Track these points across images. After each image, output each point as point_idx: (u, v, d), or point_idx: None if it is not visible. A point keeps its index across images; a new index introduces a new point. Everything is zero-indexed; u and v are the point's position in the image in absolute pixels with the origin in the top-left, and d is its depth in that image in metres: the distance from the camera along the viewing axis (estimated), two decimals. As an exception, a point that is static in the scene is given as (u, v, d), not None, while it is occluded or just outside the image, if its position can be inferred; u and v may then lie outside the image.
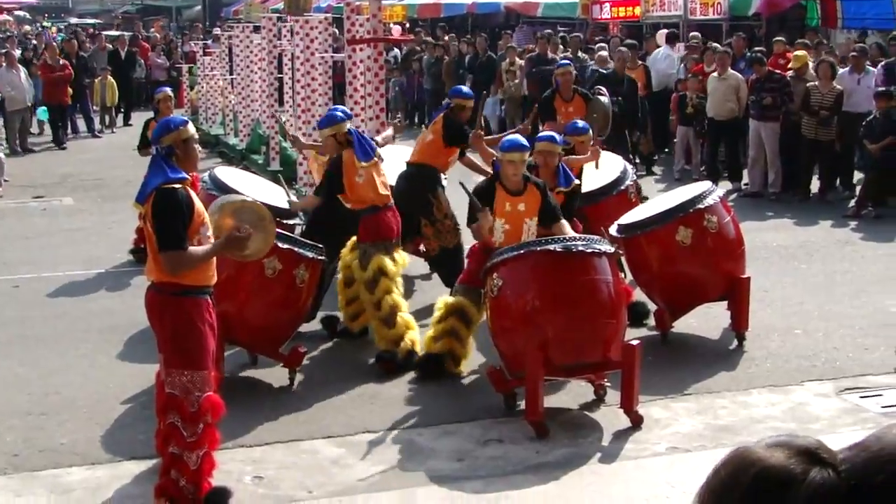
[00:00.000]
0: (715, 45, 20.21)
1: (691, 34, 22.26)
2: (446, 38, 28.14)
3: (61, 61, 25.36)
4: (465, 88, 12.04)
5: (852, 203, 15.94)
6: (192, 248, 6.32)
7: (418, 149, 11.04)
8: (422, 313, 9.95)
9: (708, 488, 1.76)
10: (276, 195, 10.08)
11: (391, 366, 9.07)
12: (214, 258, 6.55)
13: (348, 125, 9.39)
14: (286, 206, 9.99)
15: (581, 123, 11.06)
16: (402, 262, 9.49)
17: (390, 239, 9.35)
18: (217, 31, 32.80)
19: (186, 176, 6.49)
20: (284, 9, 17.04)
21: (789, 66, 17.50)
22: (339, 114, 9.58)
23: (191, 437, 6.38)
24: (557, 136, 9.73)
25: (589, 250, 7.80)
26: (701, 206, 9.46)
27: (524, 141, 8.88)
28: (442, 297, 9.15)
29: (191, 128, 6.66)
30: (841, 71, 16.92)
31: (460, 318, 8.82)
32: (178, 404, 6.37)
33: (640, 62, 19.82)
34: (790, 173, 17.36)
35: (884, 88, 15.82)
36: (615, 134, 16.16)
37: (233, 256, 6.90)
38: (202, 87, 25.37)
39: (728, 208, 9.95)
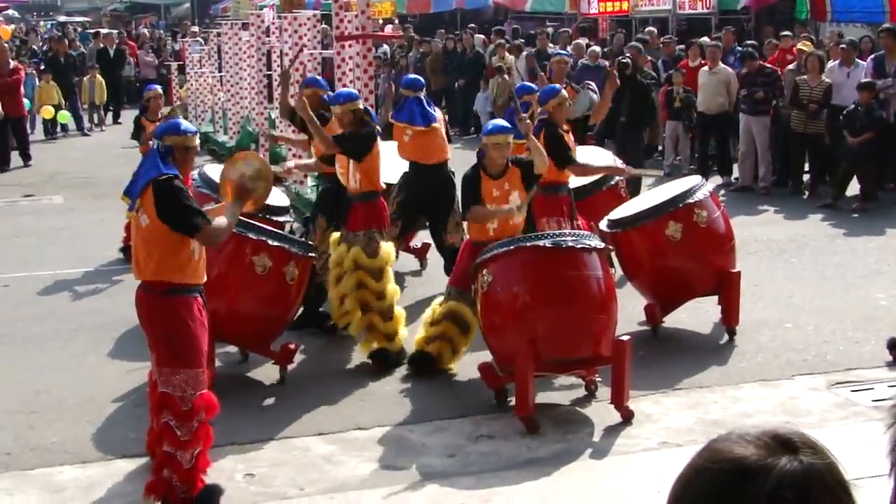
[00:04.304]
0: (704, 39, 20.23)
1: (647, 29, 22.24)
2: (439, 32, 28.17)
3: (13, 64, 22.17)
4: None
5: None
6: (217, 218, 6.47)
7: (442, 146, 11.00)
8: (412, 310, 9.94)
9: (681, 479, 1.78)
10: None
11: (384, 364, 9.09)
12: (203, 258, 6.59)
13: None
14: (278, 202, 10.08)
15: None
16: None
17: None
18: (195, 29, 32.74)
19: (178, 173, 6.49)
20: (284, 6, 17.03)
21: (792, 58, 17.54)
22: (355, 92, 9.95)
23: (184, 435, 6.37)
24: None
25: (578, 246, 7.81)
26: (691, 200, 9.47)
27: (506, 123, 8.92)
28: (439, 300, 9.11)
29: (196, 139, 6.71)
30: (830, 64, 16.94)
31: (454, 322, 8.80)
32: (172, 403, 6.36)
33: (648, 57, 19.68)
34: (781, 167, 17.41)
35: (868, 80, 15.84)
36: (631, 132, 16.11)
37: (251, 202, 6.92)
38: (191, 85, 25.33)
39: (718, 203, 9.96)
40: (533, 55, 22.74)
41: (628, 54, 17.46)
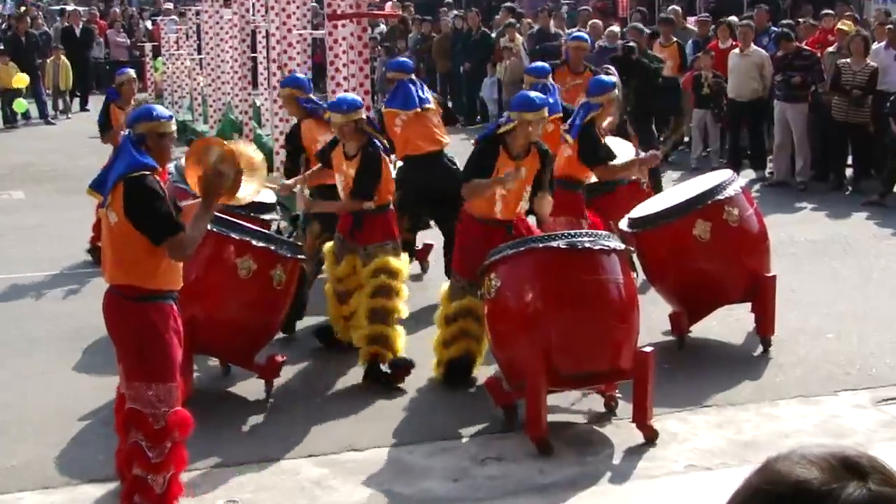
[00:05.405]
0: (732, 18, 20.20)
1: (671, 8, 22.25)
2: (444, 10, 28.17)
3: None
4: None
5: None
6: (186, 227, 6.39)
7: (435, 132, 11.03)
8: (411, 317, 9.90)
9: (734, 500, 1.76)
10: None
11: (380, 379, 9.08)
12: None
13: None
14: (265, 199, 10.04)
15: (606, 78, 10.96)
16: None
17: None
18: (169, 6, 32.69)
19: (154, 163, 6.45)
20: None
21: (833, 39, 17.54)
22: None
23: (156, 457, 6.36)
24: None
25: (596, 247, 7.79)
26: (721, 197, 9.46)
27: (538, 95, 8.99)
28: (444, 290, 9.10)
29: (172, 125, 6.65)
30: (875, 46, 16.92)
31: (471, 317, 8.79)
32: (142, 421, 6.35)
33: (673, 38, 19.66)
34: (820, 160, 17.38)
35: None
36: (638, 122, 16.10)
37: (224, 195, 6.77)
38: (167, 68, 25.34)
39: (751, 199, 9.97)
40: (533, 35, 22.78)
41: (631, 37, 17.46)
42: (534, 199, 8.75)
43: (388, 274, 8.97)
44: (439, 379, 9.04)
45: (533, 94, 9.10)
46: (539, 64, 12.15)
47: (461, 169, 11.06)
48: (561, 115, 10.76)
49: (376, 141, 9.12)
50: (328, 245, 9.47)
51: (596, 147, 9.86)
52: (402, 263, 9.12)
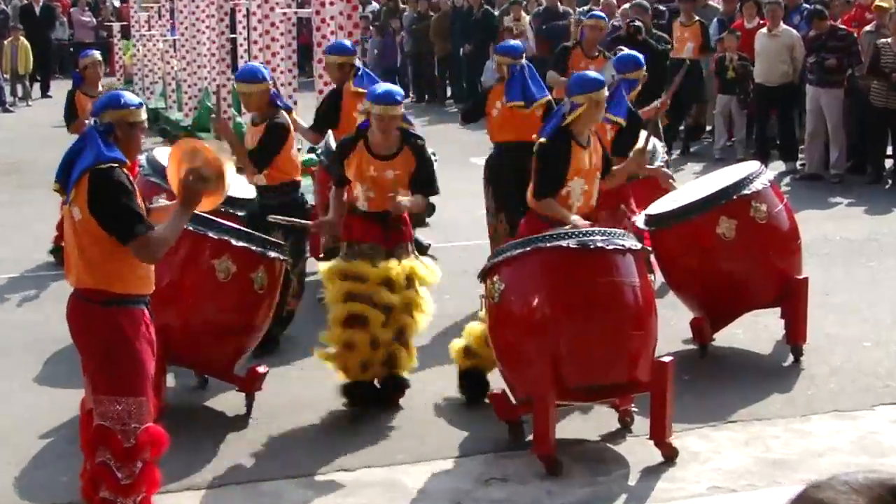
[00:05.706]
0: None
1: None
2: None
3: None
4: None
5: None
6: (158, 227, 6.35)
7: None
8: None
9: None
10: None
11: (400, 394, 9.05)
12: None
13: None
14: (244, 194, 10.01)
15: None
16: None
17: None
18: None
19: (123, 157, 6.44)
20: None
21: (872, 17, 17.53)
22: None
23: (126, 478, 6.35)
24: None
25: (610, 247, 7.77)
26: (747, 191, 9.47)
27: (596, 73, 9.04)
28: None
29: (142, 113, 6.61)
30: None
31: None
32: (111, 439, 6.34)
33: (695, 17, 19.62)
34: (857, 150, 17.37)
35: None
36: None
37: (202, 193, 6.70)
38: (138, 51, 25.34)
39: (780, 194, 9.97)
40: (540, 14, 22.81)
41: (635, 16, 17.45)
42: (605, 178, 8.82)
43: (412, 285, 8.83)
44: (461, 389, 8.98)
45: (591, 73, 9.11)
46: (513, 43, 12.17)
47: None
48: (550, 99, 10.88)
49: (415, 133, 9.08)
50: (330, 265, 8.98)
51: (634, 138, 9.90)
52: (427, 269, 8.92)
